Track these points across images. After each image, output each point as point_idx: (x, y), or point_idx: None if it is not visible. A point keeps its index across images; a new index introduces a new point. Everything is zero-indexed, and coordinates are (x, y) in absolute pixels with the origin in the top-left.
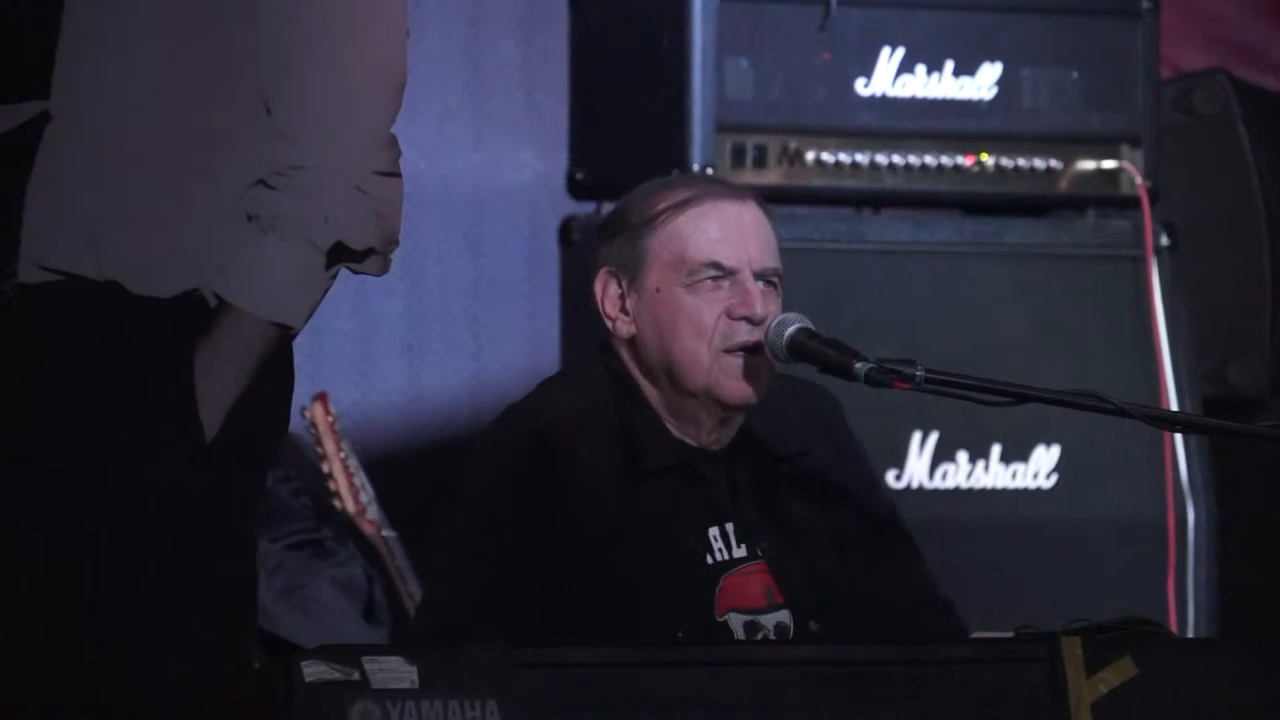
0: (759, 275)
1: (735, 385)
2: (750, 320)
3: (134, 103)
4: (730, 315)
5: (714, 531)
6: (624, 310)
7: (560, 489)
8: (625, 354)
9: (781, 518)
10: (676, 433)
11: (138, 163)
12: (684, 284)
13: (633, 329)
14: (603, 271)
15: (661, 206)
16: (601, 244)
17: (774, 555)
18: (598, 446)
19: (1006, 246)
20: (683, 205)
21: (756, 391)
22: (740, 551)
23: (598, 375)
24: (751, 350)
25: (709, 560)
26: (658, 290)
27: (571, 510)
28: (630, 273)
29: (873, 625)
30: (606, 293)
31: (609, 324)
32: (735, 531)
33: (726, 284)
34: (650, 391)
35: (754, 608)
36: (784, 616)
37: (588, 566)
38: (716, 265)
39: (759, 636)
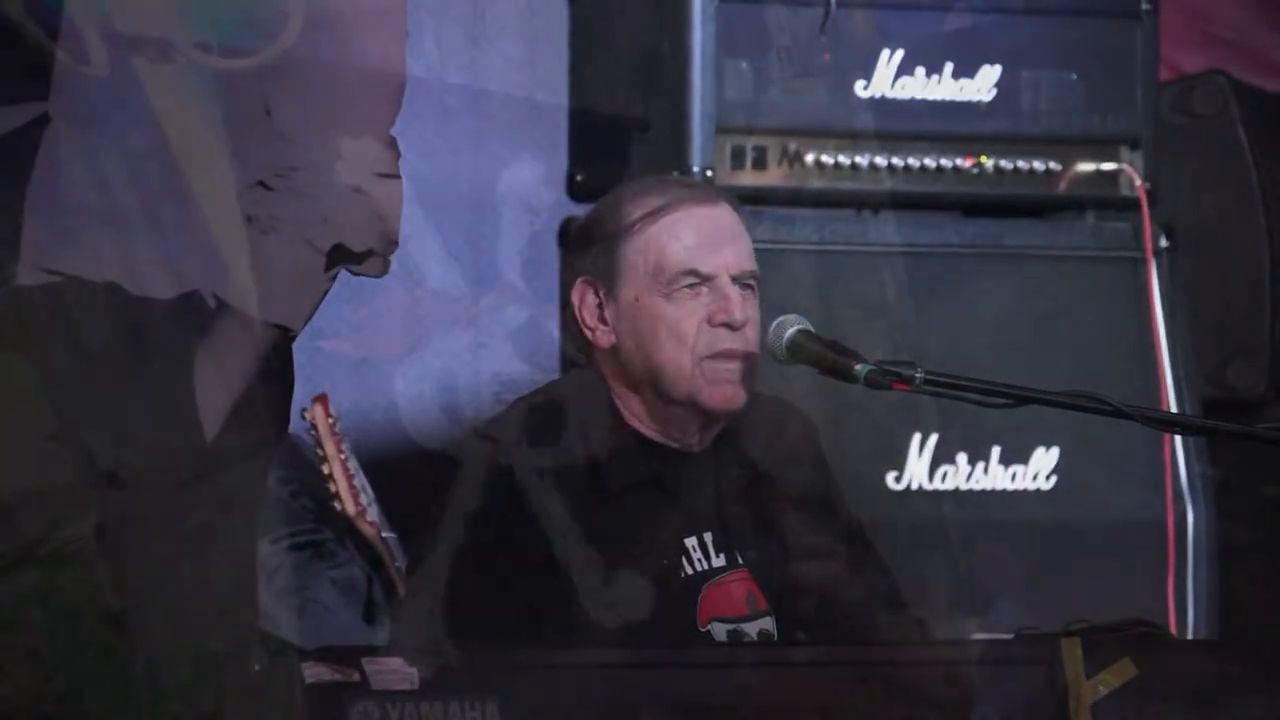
0: (736, 279)
1: (718, 393)
2: (730, 326)
3: (133, 103)
4: (710, 322)
5: (691, 542)
6: (603, 320)
7: (525, 513)
8: (605, 363)
9: (769, 527)
10: (659, 437)
11: (137, 163)
12: (663, 293)
13: (612, 338)
14: (580, 281)
15: (635, 215)
16: (576, 253)
17: (757, 563)
18: (562, 468)
19: (1006, 248)
20: (657, 213)
21: (740, 396)
22: (719, 560)
23: (568, 392)
24: (734, 357)
25: (687, 571)
26: (636, 299)
27: (538, 533)
28: (607, 282)
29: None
30: (584, 302)
31: (588, 334)
32: (714, 541)
33: (705, 290)
34: (631, 399)
35: (737, 615)
36: (768, 624)
37: (559, 587)
38: (694, 273)
39: None
